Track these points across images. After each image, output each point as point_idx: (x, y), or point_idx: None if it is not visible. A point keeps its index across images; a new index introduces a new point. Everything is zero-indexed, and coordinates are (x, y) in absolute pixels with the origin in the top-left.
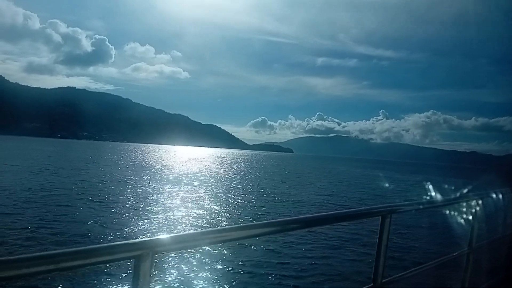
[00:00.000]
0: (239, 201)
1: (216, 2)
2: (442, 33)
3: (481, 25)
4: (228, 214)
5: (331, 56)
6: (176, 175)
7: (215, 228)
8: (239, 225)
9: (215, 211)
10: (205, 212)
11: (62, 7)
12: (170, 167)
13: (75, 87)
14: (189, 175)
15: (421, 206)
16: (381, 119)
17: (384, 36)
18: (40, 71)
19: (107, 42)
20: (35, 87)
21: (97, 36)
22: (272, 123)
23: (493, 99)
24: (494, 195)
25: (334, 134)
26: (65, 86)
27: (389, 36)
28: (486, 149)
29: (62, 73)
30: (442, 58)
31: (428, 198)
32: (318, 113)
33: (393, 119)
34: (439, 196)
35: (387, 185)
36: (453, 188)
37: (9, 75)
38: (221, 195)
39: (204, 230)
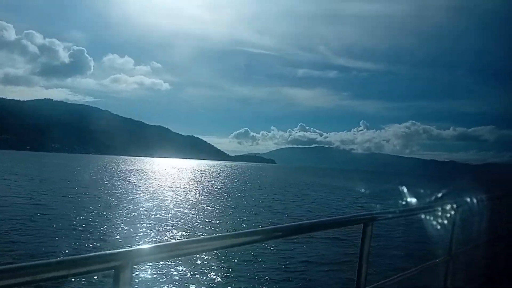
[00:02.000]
0: (218, 211)
1: (195, 13)
2: (421, 45)
3: (458, 37)
4: (208, 224)
5: (312, 68)
6: (150, 187)
7: (195, 238)
8: (220, 234)
9: (194, 222)
10: (184, 223)
11: (39, 18)
12: (138, 178)
13: (52, 99)
14: (165, 187)
15: (401, 214)
16: (362, 130)
17: (363, 48)
18: (16, 82)
19: (85, 53)
20: (10, 99)
21: (75, 47)
22: (254, 134)
23: (470, 109)
24: (471, 203)
25: (316, 145)
26: (42, 98)
27: (368, 48)
28: (464, 158)
29: (39, 84)
30: (421, 70)
31: (408, 206)
32: (300, 124)
33: (374, 130)
34: (419, 204)
35: (368, 193)
36: (432, 196)
37: None
38: (199, 206)
39: (184, 240)
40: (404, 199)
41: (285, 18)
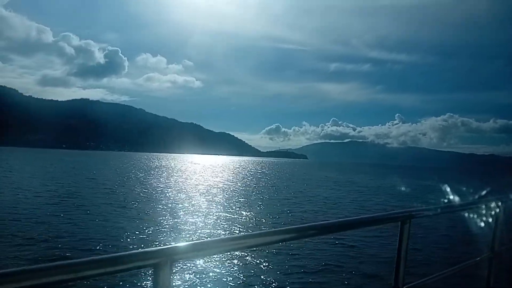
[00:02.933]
0: (254, 208)
1: (226, 11)
2: (458, 34)
3: (497, 26)
4: (244, 221)
5: (344, 62)
6: (184, 183)
7: (233, 236)
8: (257, 232)
9: (231, 219)
10: (221, 220)
11: (74, 21)
12: (171, 174)
13: (88, 99)
14: (198, 183)
15: (440, 211)
16: (397, 123)
17: (397, 40)
18: (54, 83)
19: (120, 54)
20: (48, 100)
21: (110, 48)
22: (286, 129)
23: None
24: None
25: (350, 140)
26: (79, 98)
27: (403, 40)
28: (505, 151)
29: (76, 85)
30: (458, 60)
31: (447, 202)
32: (332, 119)
33: (409, 123)
34: (458, 200)
35: (405, 190)
36: (472, 191)
37: (26, 89)
38: (234, 203)
39: (221, 237)
40: (447, 196)
41: (316, 13)
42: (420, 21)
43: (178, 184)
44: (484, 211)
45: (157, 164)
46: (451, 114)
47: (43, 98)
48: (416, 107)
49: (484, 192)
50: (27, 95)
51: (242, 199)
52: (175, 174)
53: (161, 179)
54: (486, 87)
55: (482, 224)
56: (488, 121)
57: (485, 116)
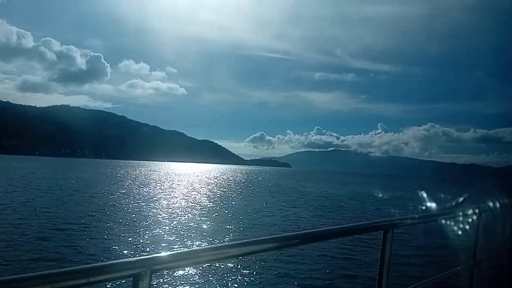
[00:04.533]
0: (233, 217)
1: (211, 19)
2: (439, 46)
3: (477, 37)
4: (224, 231)
5: (329, 71)
6: (159, 192)
7: (214, 245)
8: (238, 241)
9: (210, 228)
10: (200, 229)
11: (55, 26)
12: (146, 183)
13: (69, 105)
14: (173, 192)
15: (423, 220)
16: (380, 133)
17: (381, 51)
18: (35, 89)
19: (102, 60)
20: (27, 106)
21: (92, 54)
22: (270, 138)
23: (492, 111)
24: (495, 207)
25: (333, 148)
26: (60, 105)
27: (386, 50)
28: (485, 161)
29: (58, 91)
30: (440, 71)
31: (429, 211)
32: (316, 128)
33: (392, 133)
34: (440, 209)
35: (387, 199)
36: (453, 201)
37: (6, 94)
38: (213, 212)
39: (202, 247)
40: (428, 205)
41: (301, 22)
42: (403, 33)
43: (150, 193)
44: (465, 220)
45: (121, 172)
46: (433, 123)
47: (23, 104)
48: (398, 116)
49: (464, 197)
50: (5, 100)
51: (221, 209)
52: (146, 183)
53: (129, 188)
54: (466, 97)
55: (464, 233)
56: (468, 131)
57: (465, 126)
